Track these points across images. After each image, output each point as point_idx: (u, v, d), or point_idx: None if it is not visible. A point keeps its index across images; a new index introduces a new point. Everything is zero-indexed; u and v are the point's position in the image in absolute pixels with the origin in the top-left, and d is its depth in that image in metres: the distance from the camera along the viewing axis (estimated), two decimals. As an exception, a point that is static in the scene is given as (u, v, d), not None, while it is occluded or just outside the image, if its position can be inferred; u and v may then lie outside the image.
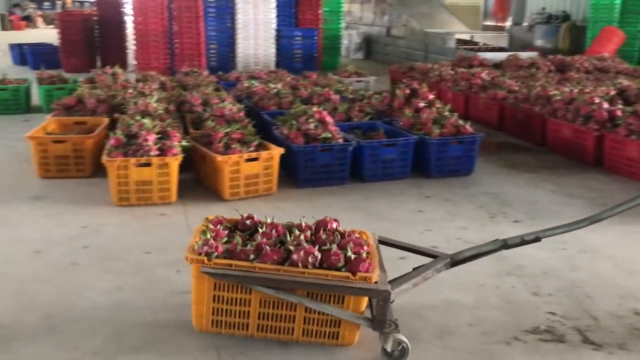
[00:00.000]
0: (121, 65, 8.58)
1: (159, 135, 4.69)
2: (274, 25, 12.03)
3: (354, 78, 9.45)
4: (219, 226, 2.94)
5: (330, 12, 13.66)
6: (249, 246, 2.74)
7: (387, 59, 15.09)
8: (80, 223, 4.21)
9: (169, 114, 5.60)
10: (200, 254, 2.67)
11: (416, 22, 14.64)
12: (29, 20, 28.79)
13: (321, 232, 2.88)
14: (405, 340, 2.65)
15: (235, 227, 3.04)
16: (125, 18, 12.78)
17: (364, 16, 17.21)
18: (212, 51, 11.76)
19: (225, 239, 2.82)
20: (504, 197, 4.94)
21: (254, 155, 4.74)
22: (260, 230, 2.89)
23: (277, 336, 2.78)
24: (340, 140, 5.13)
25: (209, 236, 2.78)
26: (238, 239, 2.79)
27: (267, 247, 2.70)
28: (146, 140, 4.53)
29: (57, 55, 12.45)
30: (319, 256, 2.66)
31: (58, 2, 35.82)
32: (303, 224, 2.96)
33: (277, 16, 12.06)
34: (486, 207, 4.68)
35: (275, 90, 6.85)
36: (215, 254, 2.67)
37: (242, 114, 5.58)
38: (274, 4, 11.87)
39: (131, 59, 12.33)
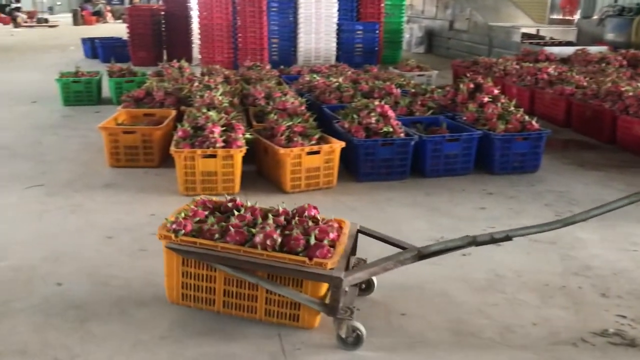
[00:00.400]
0: (186, 59, 8.80)
1: (224, 128, 4.80)
2: (336, 19, 12.04)
3: (415, 72, 9.37)
4: (199, 207, 3.12)
5: (392, 6, 13.53)
6: (215, 226, 2.89)
7: (449, 53, 14.85)
8: (148, 211, 4.36)
9: (233, 107, 5.71)
10: (169, 231, 2.86)
11: (480, 15, 14.34)
12: (99, 15, 29.89)
13: (296, 218, 2.97)
14: (361, 327, 2.69)
15: (217, 209, 3.17)
16: (191, 13, 13.09)
17: (426, 10, 16.98)
18: (274, 45, 11.89)
19: (198, 218, 2.99)
20: (570, 195, 4.79)
21: (315, 148, 4.78)
22: (237, 213, 2.99)
23: (242, 314, 2.90)
24: (402, 135, 5.11)
25: (183, 215, 2.96)
26: (212, 219, 2.95)
27: (232, 228, 2.83)
28: (212, 132, 4.64)
29: (126, 49, 12.88)
30: (279, 240, 2.75)
31: (126, -3, 37.09)
32: (280, 209, 3.05)
33: (339, 10, 12.06)
34: (552, 206, 4.56)
35: (337, 84, 6.87)
36: (182, 231, 2.86)
37: (303, 107, 5.63)
38: (336, -2, 11.90)
39: (196, 53, 12.61)
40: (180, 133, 4.77)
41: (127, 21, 12.96)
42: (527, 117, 5.46)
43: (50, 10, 36.38)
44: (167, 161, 5.25)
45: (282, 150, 4.64)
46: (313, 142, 4.86)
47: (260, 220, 2.95)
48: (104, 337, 2.78)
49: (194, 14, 12.41)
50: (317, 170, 4.81)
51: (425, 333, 2.84)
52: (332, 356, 2.67)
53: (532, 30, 13.50)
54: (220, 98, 5.60)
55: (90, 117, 7.40)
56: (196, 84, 6.47)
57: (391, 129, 5.08)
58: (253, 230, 2.84)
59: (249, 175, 5.07)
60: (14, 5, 31.48)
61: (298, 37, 11.91)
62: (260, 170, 5.22)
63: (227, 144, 4.67)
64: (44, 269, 3.44)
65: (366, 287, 3.16)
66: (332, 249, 2.76)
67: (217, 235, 2.85)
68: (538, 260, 3.64)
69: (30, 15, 29.43)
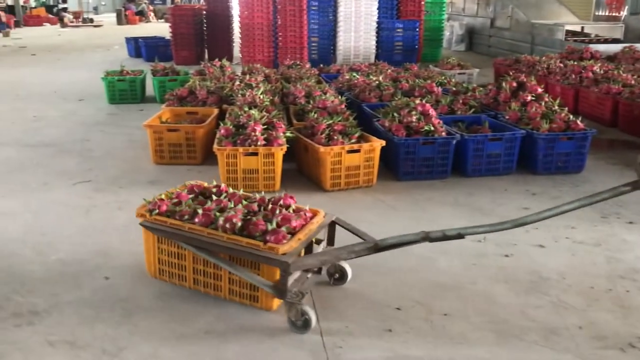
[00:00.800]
0: (227, 57, 8.91)
1: (265, 126, 4.85)
2: (375, 18, 12.00)
3: (456, 70, 9.27)
4: (184, 191, 3.35)
5: (432, 4, 13.43)
6: (188, 209, 3.12)
7: (490, 51, 14.65)
8: (191, 208, 4.43)
9: (274, 105, 5.76)
10: (146, 211, 3.16)
11: (522, 12, 14.09)
12: (142, 15, 30.49)
13: (270, 206, 3.12)
14: (310, 312, 2.79)
15: (203, 193, 3.37)
16: (232, 12, 13.22)
17: (467, 7, 16.79)
18: (313, 44, 11.93)
19: (176, 200, 3.23)
20: (617, 196, 4.67)
21: (355, 147, 4.78)
22: (215, 198, 3.20)
23: (209, 291, 3.11)
24: (443, 134, 5.07)
25: (163, 196, 3.24)
26: (189, 202, 3.20)
27: (200, 211, 3.03)
28: (254, 130, 4.70)
29: (169, 48, 13.12)
30: (239, 223, 2.91)
31: (168, -3, 37.76)
32: (258, 197, 3.24)
33: (379, 8, 12.02)
34: (597, 207, 4.44)
35: (377, 82, 6.86)
36: (156, 211, 3.12)
37: (343, 106, 5.64)
38: (376, -4, 11.86)
39: (236, 52, 12.74)
40: (222, 131, 4.84)
41: (170, 21, 13.15)
42: (571, 117, 5.35)
43: (95, 10, 37.30)
44: (209, 159, 5.33)
45: (322, 149, 4.66)
46: (353, 140, 4.87)
47: (231, 205, 3.10)
48: (150, 331, 2.86)
49: (235, 13, 12.53)
50: (357, 169, 4.81)
51: (467, 334, 2.82)
52: (373, 354, 2.68)
53: (577, 28, 13.20)
54: (261, 97, 5.66)
55: (135, 115, 7.57)
56: (237, 82, 6.55)
57: (432, 128, 5.04)
58: (217, 214, 3.02)
59: (290, 173, 5.11)
60: (60, 6, 32.45)
61: (337, 36, 11.92)
62: (301, 169, 5.26)
63: (268, 142, 4.72)
64: (92, 263, 3.55)
65: (339, 277, 3.27)
66: (289, 235, 2.88)
67: (186, 217, 3.07)
68: (583, 263, 3.57)
69: (76, 15, 30.24)
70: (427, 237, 2.81)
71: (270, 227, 2.88)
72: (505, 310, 3.04)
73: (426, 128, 5.03)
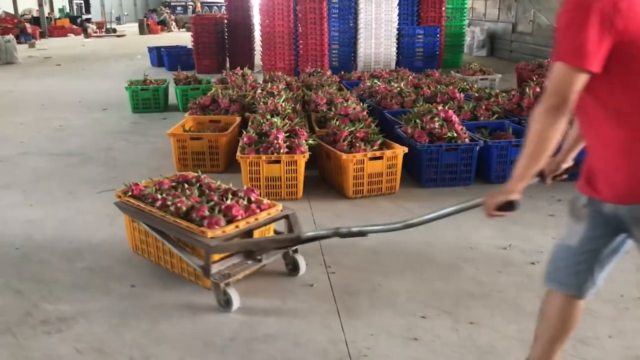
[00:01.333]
0: (248, 66, 8.96)
1: (288, 134, 4.87)
2: (396, 24, 11.98)
3: (478, 76, 9.22)
4: (165, 178, 3.72)
5: (453, 9, 13.39)
6: (153, 192, 3.50)
7: (512, 57, 14.55)
8: (215, 215, 4.46)
9: (295, 113, 5.78)
10: (122, 193, 3.60)
11: (545, 17, 13.97)
12: (164, 25, 30.87)
13: (230, 196, 3.41)
14: (232, 293, 3.04)
15: (183, 183, 3.68)
16: (253, 21, 13.31)
17: (488, 12, 16.70)
18: (334, 51, 11.94)
19: (152, 187, 3.61)
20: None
21: (377, 154, 4.77)
22: (186, 186, 3.56)
23: (168, 267, 3.46)
24: (467, 140, 5.03)
25: (142, 182, 3.70)
26: (163, 187, 3.56)
27: (159, 195, 3.40)
28: (276, 138, 4.71)
29: (191, 57, 13.22)
30: (183, 208, 3.23)
31: (190, 5, 38.20)
32: (223, 187, 3.58)
33: (399, 15, 12.00)
34: (625, 213, 4.38)
35: (398, 89, 6.84)
36: (130, 193, 3.56)
37: (365, 113, 5.64)
38: (396, 3, 11.81)
39: (257, 60, 12.80)
40: (245, 139, 4.86)
41: (192, 30, 13.24)
42: (598, 122, 5.27)
43: (118, 20, 37.89)
44: (232, 166, 5.36)
45: (344, 156, 4.66)
46: (375, 147, 4.86)
47: (196, 193, 3.45)
48: (176, 338, 2.87)
49: (256, 21, 12.61)
50: (379, 176, 4.80)
51: (494, 343, 2.79)
52: (399, 363, 2.66)
53: (601, 31, 13.03)
54: (283, 104, 5.69)
55: (158, 124, 7.65)
56: (259, 91, 6.59)
57: (455, 134, 5.01)
58: (170, 198, 3.34)
59: (312, 180, 5.11)
60: (84, 17, 33.02)
61: (358, 43, 11.92)
62: (323, 176, 5.26)
63: (291, 149, 4.73)
64: (118, 270, 3.58)
65: (292, 268, 3.48)
66: (225, 222, 3.13)
67: (150, 200, 3.44)
68: (611, 270, 3.49)
69: (100, 25, 30.77)
70: (337, 233, 3.00)
71: (208, 214, 3.16)
72: (533, 318, 2.97)
73: (449, 134, 5.01)
